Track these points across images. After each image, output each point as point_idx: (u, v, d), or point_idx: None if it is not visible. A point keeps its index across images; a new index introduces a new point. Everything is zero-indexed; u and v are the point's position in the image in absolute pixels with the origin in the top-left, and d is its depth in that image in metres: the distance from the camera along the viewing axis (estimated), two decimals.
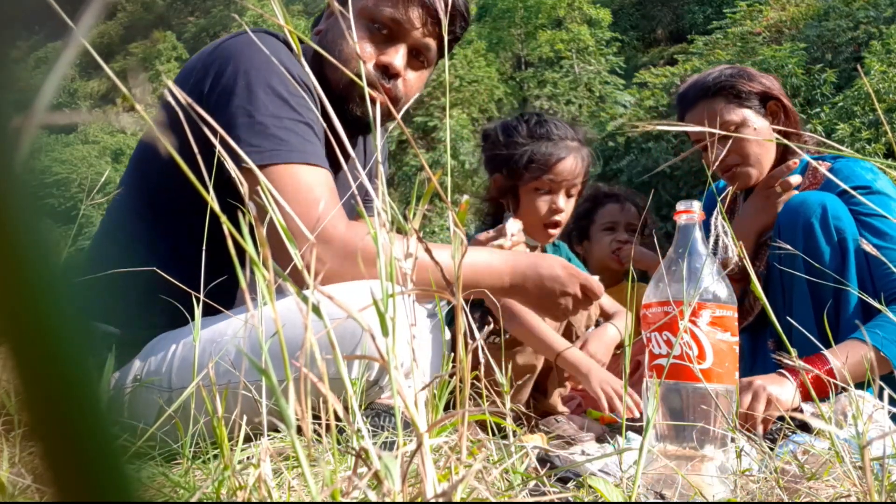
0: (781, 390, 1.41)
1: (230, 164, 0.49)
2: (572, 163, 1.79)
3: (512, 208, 1.85)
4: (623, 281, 2.46)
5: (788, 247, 1.48)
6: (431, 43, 1.38)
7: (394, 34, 1.34)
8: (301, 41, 0.54)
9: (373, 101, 0.53)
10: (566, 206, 1.82)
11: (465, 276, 1.19)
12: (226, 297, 1.25)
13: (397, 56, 1.34)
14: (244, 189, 0.46)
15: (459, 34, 1.46)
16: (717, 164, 1.78)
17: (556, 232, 1.83)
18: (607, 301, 2.06)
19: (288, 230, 0.47)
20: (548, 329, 1.68)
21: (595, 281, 1.35)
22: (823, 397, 1.38)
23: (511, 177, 1.82)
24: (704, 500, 0.78)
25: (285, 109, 1.18)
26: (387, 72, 1.34)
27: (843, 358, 1.42)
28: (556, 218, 1.80)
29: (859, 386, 1.21)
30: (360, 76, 1.31)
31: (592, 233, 2.44)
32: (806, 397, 1.41)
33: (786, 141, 0.62)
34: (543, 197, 1.79)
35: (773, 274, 1.75)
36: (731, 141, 1.76)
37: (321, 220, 1.12)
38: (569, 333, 1.87)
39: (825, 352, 1.38)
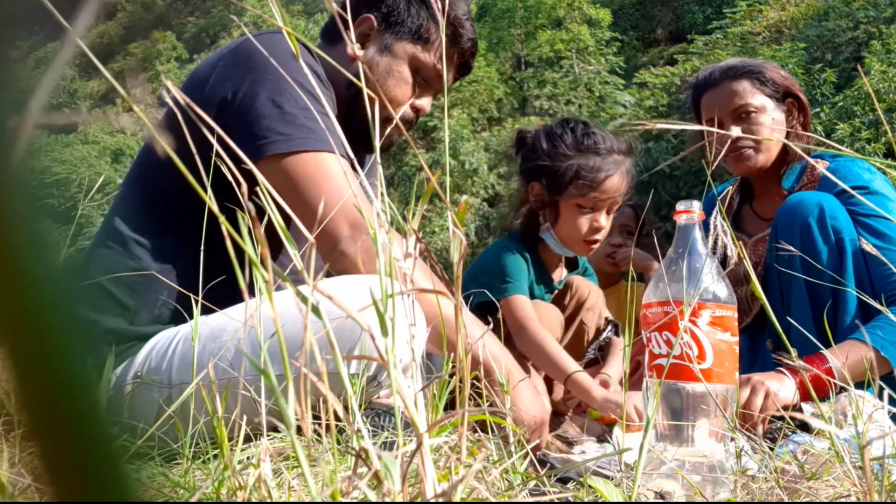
0: (780, 387, 1.41)
1: (244, 158, 0.49)
2: (618, 180, 1.71)
3: (550, 221, 1.78)
4: (620, 281, 2.46)
5: (789, 247, 1.48)
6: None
7: (431, 83, 1.49)
8: (305, 44, 0.54)
9: (371, 100, 0.52)
10: (607, 223, 1.75)
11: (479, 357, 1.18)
12: (229, 296, 1.25)
13: (429, 102, 1.51)
14: (243, 189, 0.46)
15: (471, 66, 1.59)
16: (721, 152, 1.78)
17: (595, 247, 1.77)
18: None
19: (315, 215, 0.48)
20: (559, 350, 1.62)
21: (543, 441, 1.30)
22: (823, 397, 1.38)
23: (552, 190, 1.73)
24: (704, 500, 0.78)
25: (311, 100, 1.23)
26: (415, 111, 1.50)
27: (842, 358, 1.42)
28: (597, 236, 1.74)
29: (859, 386, 1.21)
30: (401, 118, 1.46)
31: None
32: (805, 397, 1.41)
33: (786, 141, 0.62)
34: (586, 214, 1.72)
35: (770, 274, 1.75)
36: (749, 124, 1.76)
37: (350, 208, 1.17)
38: (580, 332, 1.87)
39: (825, 351, 1.38)
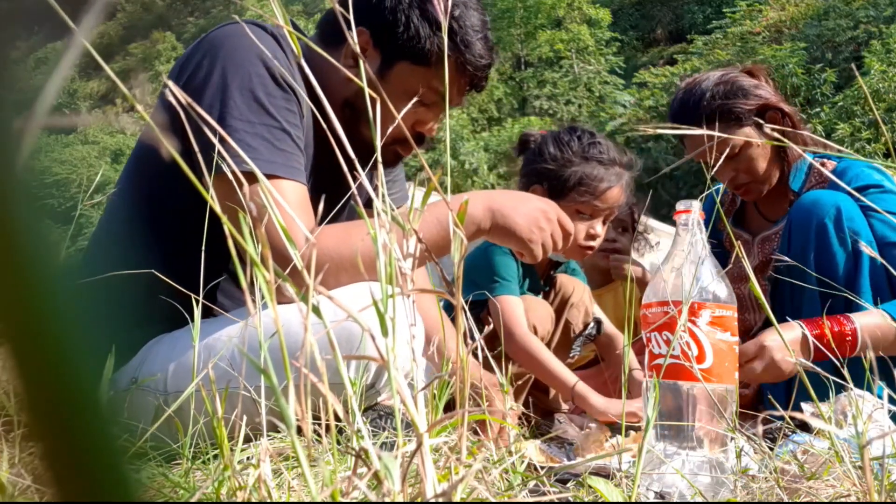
0: (789, 334, 1.46)
1: (244, 157, 0.49)
2: (618, 192, 1.74)
3: None
4: (616, 280, 2.46)
5: (786, 258, 1.48)
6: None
7: (435, 107, 1.35)
8: (303, 42, 0.54)
9: (373, 100, 0.52)
10: (602, 231, 1.77)
11: (443, 237, 1.15)
12: (212, 298, 1.23)
13: (434, 123, 1.37)
14: (213, 193, 0.46)
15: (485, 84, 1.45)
16: (724, 180, 1.79)
17: (589, 253, 1.78)
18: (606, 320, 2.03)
19: (263, 237, 0.45)
20: (555, 361, 1.63)
21: (567, 219, 1.33)
22: (842, 356, 1.40)
23: (554, 194, 1.72)
24: (704, 500, 0.78)
25: (260, 113, 1.12)
26: (419, 134, 1.37)
27: (866, 318, 1.45)
28: (592, 243, 1.75)
29: (860, 382, 1.20)
30: (402, 138, 1.32)
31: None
32: (820, 355, 1.41)
33: (785, 142, 0.62)
34: (584, 221, 1.73)
35: (782, 275, 1.73)
36: (740, 161, 1.74)
37: (274, 236, 1.00)
38: (567, 329, 1.87)
39: (852, 315, 1.43)
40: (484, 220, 1.23)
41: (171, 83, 0.48)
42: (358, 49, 0.52)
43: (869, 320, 1.48)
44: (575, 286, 1.90)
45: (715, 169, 1.30)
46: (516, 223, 1.24)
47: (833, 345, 1.43)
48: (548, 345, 1.79)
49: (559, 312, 1.87)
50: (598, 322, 1.94)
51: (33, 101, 0.23)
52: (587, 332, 1.91)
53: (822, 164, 1.81)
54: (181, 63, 1.20)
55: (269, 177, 1.10)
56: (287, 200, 1.11)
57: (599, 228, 1.75)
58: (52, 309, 0.16)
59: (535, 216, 1.26)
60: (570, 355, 1.90)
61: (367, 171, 1.53)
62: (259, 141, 1.11)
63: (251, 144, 1.10)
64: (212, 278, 1.14)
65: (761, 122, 1.77)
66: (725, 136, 0.89)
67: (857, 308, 1.57)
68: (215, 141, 0.49)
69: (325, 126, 0.55)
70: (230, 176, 0.50)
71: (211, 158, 1.00)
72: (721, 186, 2.07)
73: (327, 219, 1.18)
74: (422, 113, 1.34)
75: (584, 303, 1.90)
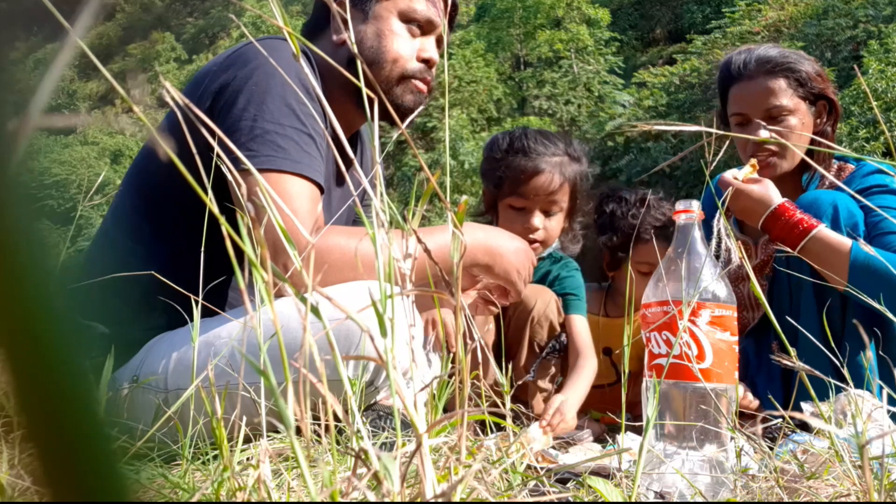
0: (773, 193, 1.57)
1: (228, 166, 0.49)
2: (547, 179, 1.69)
3: (494, 223, 1.78)
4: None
5: (786, 248, 1.48)
6: (446, 28, 1.47)
7: (425, 30, 1.45)
8: (302, 45, 0.54)
9: (370, 100, 0.52)
10: (545, 224, 1.73)
11: (445, 260, 1.18)
12: (219, 298, 1.25)
13: (433, 49, 1.45)
14: (242, 190, 0.46)
15: (455, 20, 1.57)
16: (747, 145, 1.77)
17: (537, 251, 1.73)
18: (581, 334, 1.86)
19: (262, 238, 0.46)
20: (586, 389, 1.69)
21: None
22: (790, 242, 1.54)
23: (491, 192, 1.80)
24: (704, 500, 0.78)
25: (290, 118, 1.19)
26: (427, 63, 1.44)
27: (828, 236, 1.54)
28: (533, 236, 1.71)
29: (858, 384, 1.20)
30: (409, 72, 1.41)
31: (624, 268, 2.06)
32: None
33: (790, 146, 0.62)
34: (518, 214, 1.73)
35: (779, 274, 1.73)
36: (778, 125, 1.68)
37: (291, 231, 1.08)
38: (530, 345, 1.79)
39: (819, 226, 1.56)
40: (483, 259, 1.30)
41: (170, 86, 0.48)
42: (340, 23, 0.52)
43: (831, 235, 1.55)
44: (538, 297, 1.78)
45: (714, 162, 1.30)
46: (498, 273, 1.31)
47: (787, 226, 1.55)
48: (515, 358, 1.78)
49: (521, 325, 1.78)
50: (561, 338, 1.82)
51: (28, 102, 0.23)
52: (549, 349, 1.79)
53: (840, 168, 1.79)
54: (210, 73, 1.27)
55: (293, 174, 1.17)
56: (304, 197, 1.17)
57: (538, 221, 1.72)
58: (47, 310, 0.16)
59: (521, 260, 1.33)
60: (530, 377, 1.78)
61: (357, 156, 1.54)
62: (288, 141, 1.18)
63: (280, 144, 1.17)
64: (226, 272, 1.17)
65: (814, 105, 1.74)
66: (723, 133, 0.89)
67: (854, 305, 1.57)
68: (215, 148, 0.49)
69: (328, 127, 0.55)
70: (254, 171, 0.50)
71: (233, 157, 1.05)
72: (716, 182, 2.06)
73: (318, 209, 1.22)
74: (417, 35, 1.44)
75: (547, 316, 1.78)
